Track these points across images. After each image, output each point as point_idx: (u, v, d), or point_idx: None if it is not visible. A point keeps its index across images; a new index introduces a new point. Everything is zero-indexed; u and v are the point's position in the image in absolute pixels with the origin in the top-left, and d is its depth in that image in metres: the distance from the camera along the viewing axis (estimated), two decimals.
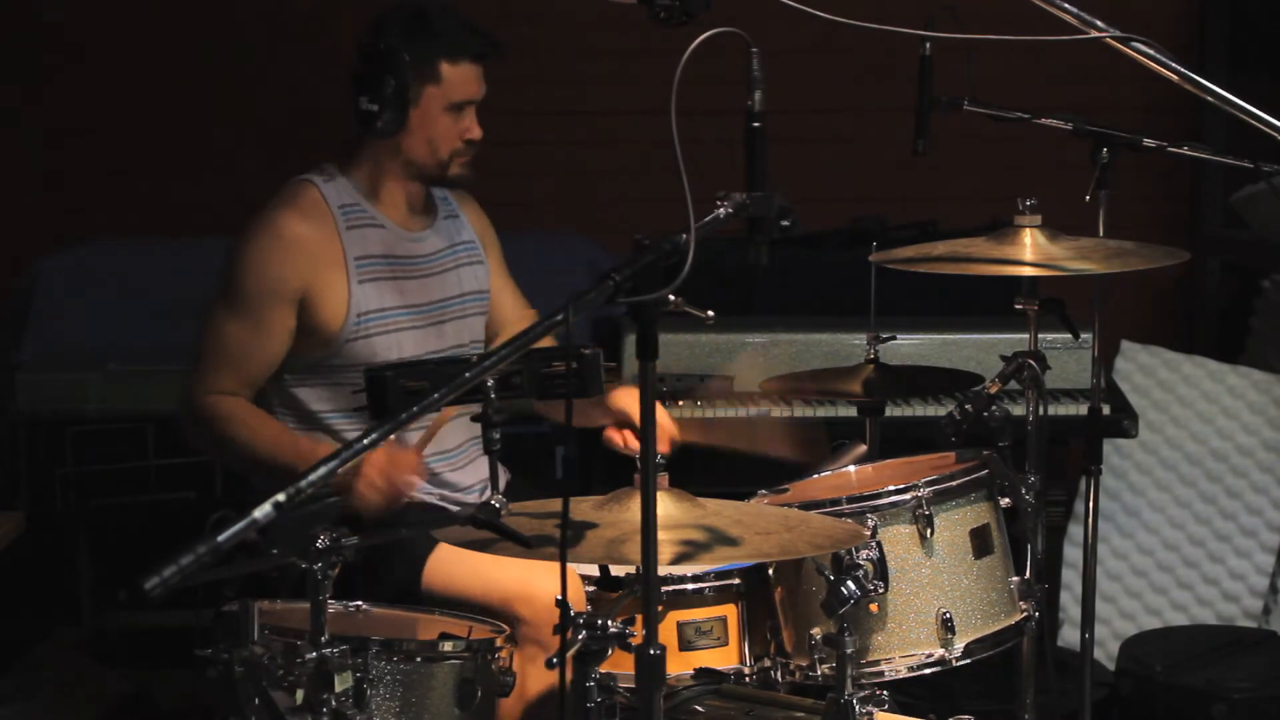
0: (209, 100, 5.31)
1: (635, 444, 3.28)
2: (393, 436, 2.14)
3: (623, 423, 3.28)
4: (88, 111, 5.31)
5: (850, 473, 3.23)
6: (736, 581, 2.89)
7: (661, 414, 3.26)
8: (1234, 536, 4.68)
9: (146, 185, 5.31)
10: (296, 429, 3.30)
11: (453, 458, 3.36)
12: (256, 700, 2.40)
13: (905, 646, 2.85)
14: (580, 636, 2.36)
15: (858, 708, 2.64)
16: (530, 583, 2.99)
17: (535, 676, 3.01)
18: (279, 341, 3.24)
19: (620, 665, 2.40)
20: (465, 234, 3.49)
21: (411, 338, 3.32)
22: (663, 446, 3.23)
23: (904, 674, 2.85)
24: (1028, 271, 3.03)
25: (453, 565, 3.07)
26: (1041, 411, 3.15)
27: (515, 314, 3.59)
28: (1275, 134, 2.22)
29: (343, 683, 2.39)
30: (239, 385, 3.23)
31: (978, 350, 4.15)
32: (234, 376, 3.23)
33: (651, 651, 2.17)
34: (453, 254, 3.43)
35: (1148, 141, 3.28)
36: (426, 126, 3.27)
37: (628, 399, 3.26)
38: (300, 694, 2.38)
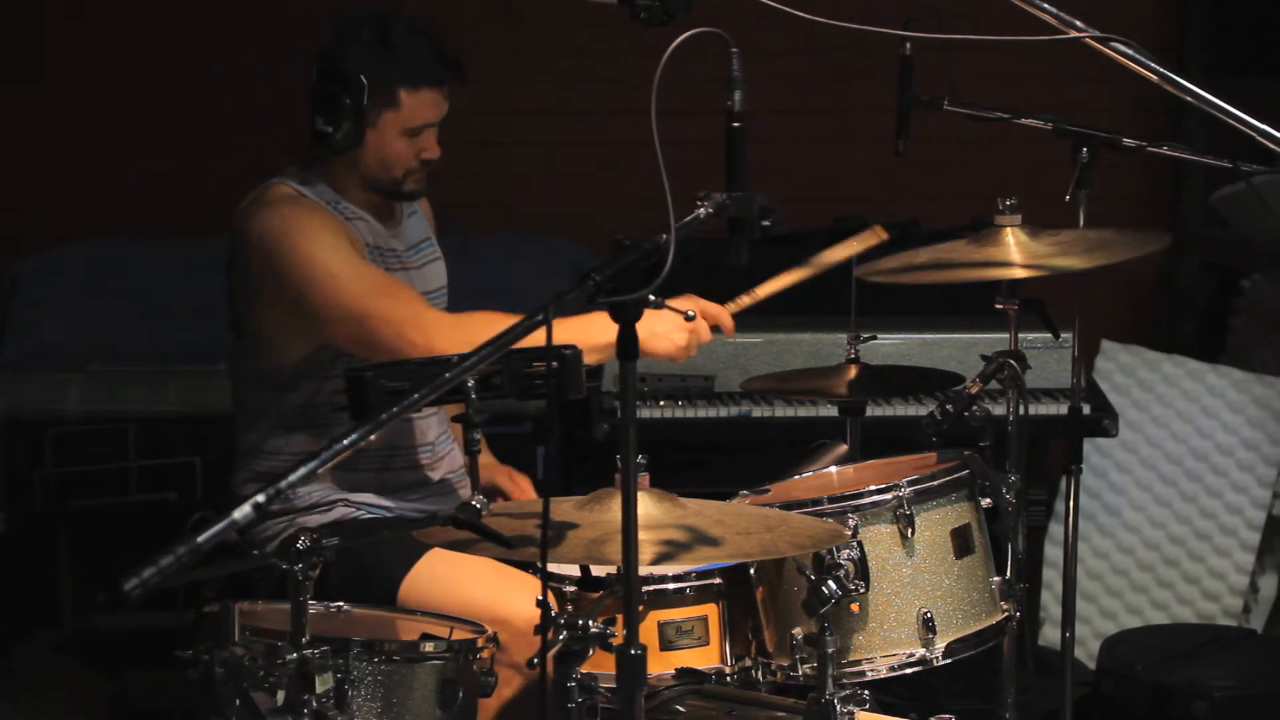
0: (202, 101, 5.28)
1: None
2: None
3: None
4: (81, 111, 5.28)
5: (831, 473, 3.22)
6: (718, 581, 2.89)
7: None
8: (1214, 535, 4.69)
9: (136, 186, 5.28)
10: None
11: (432, 450, 3.35)
12: (237, 701, 2.39)
13: (886, 646, 2.84)
14: (561, 637, 2.36)
15: (839, 707, 2.64)
16: (505, 605, 2.95)
17: (510, 698, 3.00)
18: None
19: (601, 665, 2.40)
20: (425, 230, 3.48)
21: None
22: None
23: (885, 674, 2.85)
24: (1014, 274, 3.03)
25: (427, 589, 3.04)
26: (1022, 411, 3.16)
27: None
28: (1254, 134, 2.22)
29: (324, 683, 2.38)
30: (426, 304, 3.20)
31: (958, 350, 4.15)
32: (416, 295, 3.19)
33: (632, 651, 2.17)
34: (418, 251, 3.42)
35: (1127, 141, 3.28)
36: (381, 148, 3.22)
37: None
38: (281, 695, 2.38)
